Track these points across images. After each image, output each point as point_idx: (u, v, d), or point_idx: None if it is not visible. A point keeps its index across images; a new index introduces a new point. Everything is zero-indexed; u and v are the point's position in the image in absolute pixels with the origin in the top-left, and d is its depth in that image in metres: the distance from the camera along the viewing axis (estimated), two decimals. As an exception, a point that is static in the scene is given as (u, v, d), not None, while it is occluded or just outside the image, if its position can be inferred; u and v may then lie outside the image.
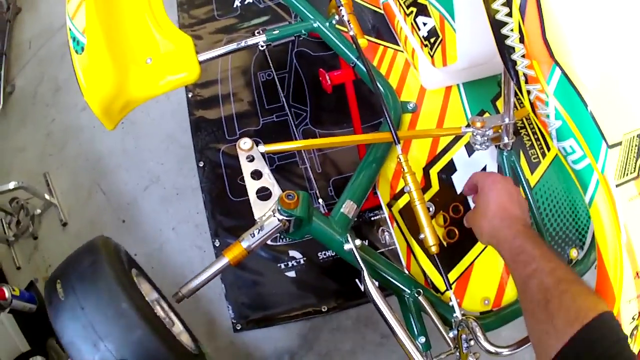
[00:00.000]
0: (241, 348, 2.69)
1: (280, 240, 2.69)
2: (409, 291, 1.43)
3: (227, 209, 2.85)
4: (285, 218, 1.24)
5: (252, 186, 1.32)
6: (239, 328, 2.65)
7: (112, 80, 1.55)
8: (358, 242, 1.37)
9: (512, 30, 0.91)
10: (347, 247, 1.37)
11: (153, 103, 3.20)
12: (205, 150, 3.00)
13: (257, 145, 1.40)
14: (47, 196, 3.20)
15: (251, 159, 1.38)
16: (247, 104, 3.08)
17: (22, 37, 4.05)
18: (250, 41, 1.88)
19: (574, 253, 1.57)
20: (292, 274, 2.71)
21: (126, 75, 1.59)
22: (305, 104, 3.00)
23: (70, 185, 3.35)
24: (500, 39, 0.94)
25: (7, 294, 2.36)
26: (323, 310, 2.67)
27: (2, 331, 2.42)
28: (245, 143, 1.40)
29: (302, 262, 2.71)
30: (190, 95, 3.17)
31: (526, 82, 0.94)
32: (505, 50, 0.95)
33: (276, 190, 1.31)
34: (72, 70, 3.03)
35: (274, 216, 1.24)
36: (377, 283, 1.35)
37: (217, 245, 2.80)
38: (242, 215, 2.80)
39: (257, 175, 1.34)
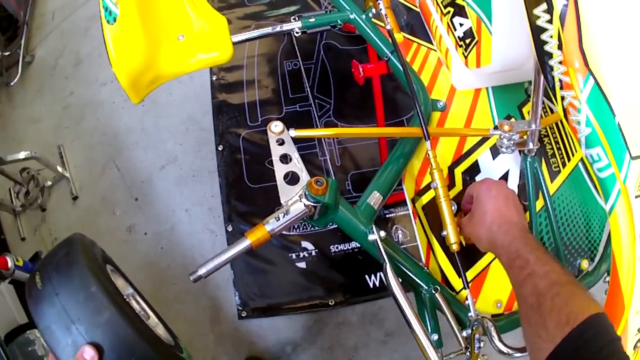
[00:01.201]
0: (244, 335, 2.72)
1: (294, 230, 2.74)
2: (426, 287, 1.43)
3: (242, 195, 2.89)
4: (311, 204, 1.23)
5: (280, 170, 1.32)
6: (244, 315, 2.69)
7: (143, 54, 1.57)
8: (383, 233, 1.37)
9: (551, 36, 0.95)
10: (371, 237, 1.36)
11: (176, 83, 3.25)
12: (226, 134, 3.05)
13: (287, 130, 1.40)
14: (59, 168, 3.23)
15: (281, 142, 1.38)
16: (271, 92, 3.12)
17: (46, 8, 4.09)
18: (286, 26, 1.91)
19: (585, 264, 1.57)
20: (302, 264, 2.74)
21: (157, 49, 1.62)
22: (329, 96, 3.04)
23: (84, 159, 3.38)
24: (539, 45, 0.98)
25: (10, 264, 2.39)
26: (330, 303, 2.70)
27: (1, 302, 2.44)
28: (276, 126, 1.40)
29: (313, 253, 2.75)
30: (214, 78, 3.22)
31: (561, 88, 0.97)
32: (543, 56, 0.99)
33: (304, 176, 1.30)
34: (95, 45, 3.06)
35: (301, 201, 1.24)
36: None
37: (230, 230, 2.84)
38: (257, 202, 2.85)
39: (285, 159, 1.35)
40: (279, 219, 1.23)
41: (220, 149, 3.03)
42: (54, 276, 1.16)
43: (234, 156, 2.99)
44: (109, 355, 1.07)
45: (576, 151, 1.64)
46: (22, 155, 2.96)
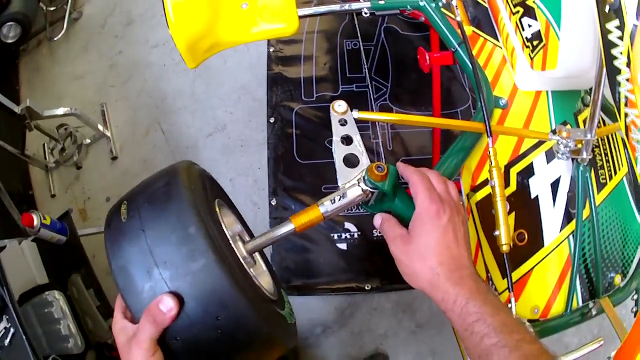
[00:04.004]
0: (276, 312, 2.76)
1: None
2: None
3: (290, 169, 2.93)
4: (369, 189, 1.20)
5: (340, 151, 1.29)
6: (278, 292, 2.72)
7: (203, 18, 1.58)
8: None
9: (621, 53, 0.97)
10: None
11: (231, 52, 3.29)
12: (279, 107, 3.08)
13: (351, 110, 1.38)
14: (100, 127, 3.29)
15: (343, 122, 1.36)
16: (328, 69, 3.16)
17: (95, -34, 4.11)
18: (355, 5, 1.92)
19: (618, 279, 1.58)
20: (343, 246, 2.78)
21: (219, 15, 1.62)
22: (386, 79, 3.08)
23: (128, 120, 3.45)
24: (609, 59, 1.01)
25: (35, 222, 2.39)
26: (366, 288, 2.73)
27: (20, 260, 2.39)
28: (340, 105, 1.38)
29: (355, 235, 2.79)
30: (271, 50, 3.25)
31: (626, 105, 1.00)
32: (612, 70, 1.02)
33: (364, 160, 1.28)
34: (148, 6, 3.10)
35: (359, 186, 1.21)
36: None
37: (274, 204, 2.88)
38: (304, 178, 2.89)
39: (347, 140, 1.33)
40: (334, 202, 1.20)
41: (271, 121, 3.06)
42: (144, 209, 1.03)
43: (285, 130, 3.03)
44: (193, 308, 0.95)
45: (622, 165, 1.66)
46: (60, 111, 2.98)
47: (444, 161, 1.52)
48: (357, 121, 1.39)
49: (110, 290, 2.73)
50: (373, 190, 1.21)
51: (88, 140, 3.36)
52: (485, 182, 1.55)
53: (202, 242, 0.97)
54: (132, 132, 3.43)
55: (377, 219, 1.26)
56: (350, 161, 1.28)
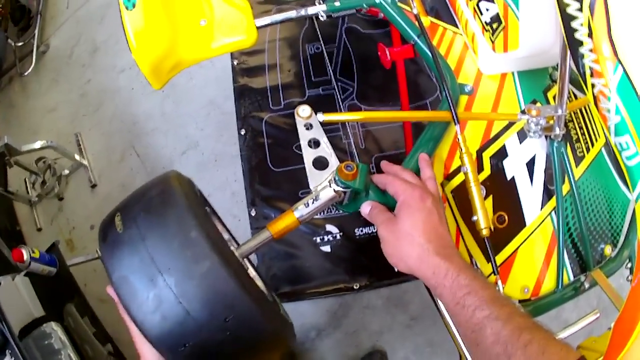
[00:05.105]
0: (268, 320, 2.73)
1: (319, 214, 2.70)
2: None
3: (266, 179, 2.91)
4: (341, 189, 1.21)
5: (308, 155, 1.30)
6: (268, 300, 2.69)
7: (164, 39, 1.58)
8: None
9: (581, 24, 0.96)
10: None
11: (196, 68, 3.27)
12: (248, 118, 3.07)
13: (315, 114, 1.38)
14: (77, 156, 3.27)
15: (309, 126, 1.37)
16: (293, 75, 3.14)
17: (60, -3, 4.11)
18: (311, 10, 1.91)
19: (608, 250, 1.58)
20: (327, 248, 2.77)
21: (178, 35, 1.62)
22: (352, 79, 3.07)
23: (103, 147, 3.43)
24: (569, 32, 1.00)
25: (25, 256, 2.35)
26: (355, 287, 2.72)
27: (16, 295, 2.39)
28: (304, 110, 1.38)
29: (338, 237, 2.78)
30: (235, 63, 3.24)
31: (592, 76, 0.99)
32: (573, 43, 1.00)
33: (333, 161, 1.28)
34: (112, 32, 3.09)
35: (330, 187, 1.22)
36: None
37: (253, 214, 2.86)
38: (281, 185, 2.88)
39: (314, 144, 1.33)
40: (308, 205, 1.21)
41: (242, 133, 3.05)
42: (141, 218, 1.01)
43: (256, 140, 3.01)
44: (200, 312, 0.94)
45: (599, 137, 1.65)
46: (37, 144, 2.97)
47: (413, 154, 1.49)
48: (325, 124, 1.38)
49: (105, 317, 2.74)
50: (345, 190, 1.22)
51: (67, 171, 3.34)
52: (458, 170, 1.54)
53: (204, 245, 0.96)
54: (108, 158, 3.41)
55: (366, 207, 1.26)
56: (320, 163, 1.29)
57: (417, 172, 1.38)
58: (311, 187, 1.25)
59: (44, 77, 3.81)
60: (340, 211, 1.49)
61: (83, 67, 3.78)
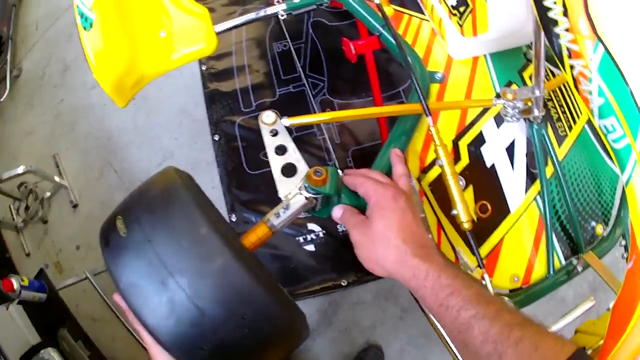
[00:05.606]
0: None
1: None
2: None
3: (243, 183, 2.88)
4: (312, 196, 1.16)
5: (276, 162, 1.23)
6: (255, 305, 2.66)
7: (123, 56, 1.54)
8: None
9: (555, 2, 0.90)
10: None
11: (165, 78, 3.20)
12: (221, 123, 3.04)
13: (280, 119, 1.32)
14: (57, 178, 3.25)
15: (275, 133, 1.30)
16: (263, 75, 3.11)
17: (29, 19, 4.13)
18: (270, 10, 1.89)
19: (599, 229, 1.53)
20: (311, 247, 2.74)
21: (138, 50, 1.58)
22: (322, 74, 3.03)
23: (81, 166, 3.41)
24: (542, 11, 0.94)
25: (15, 285, 2.35)
26: (343, 284, 2.69)
27: (11, 325, 2.41)
28: (268, 116, 1.30)
29: (321, 235, 2.74)
30: (204, 68, 3.21)
31: (570, 57, 0.93)
32: (548, 23, 0.95)
33: (302, 167, 1.22)
34: (79, 50, 3.07)
35: (301, 194, 1.16)
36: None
37: (234, 220, 2.83)
38: (259, 188, 2.85)
39: (281, 150, 1.26)
40: (279, 215, 1.14)
41: (216, 138, 3.02)
42: (144, 219, 0.94)
43: (231, 144, 2.98)
44: (215, 311, 0.88)
45: (581, 113, 1.61)
46: (20, 170, 2.95)
47: (385, 150, 1.44)
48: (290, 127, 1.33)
49: (98, 337, 2.73)
50: (316, 196, 1.16)
51: (48, 194, 3.32)
52: (434, 162, 1.48)
53: (216, 241, 0.90)
54: (87, 176, 3.39)
55: (337, 211, 1.20)
56: (289, 171, 1.23)
57: (390, 169, 1.32)
58: (281, 195, 1.19)
59: (19, 102, 3.80)
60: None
61: (55, 87, 3.76)
